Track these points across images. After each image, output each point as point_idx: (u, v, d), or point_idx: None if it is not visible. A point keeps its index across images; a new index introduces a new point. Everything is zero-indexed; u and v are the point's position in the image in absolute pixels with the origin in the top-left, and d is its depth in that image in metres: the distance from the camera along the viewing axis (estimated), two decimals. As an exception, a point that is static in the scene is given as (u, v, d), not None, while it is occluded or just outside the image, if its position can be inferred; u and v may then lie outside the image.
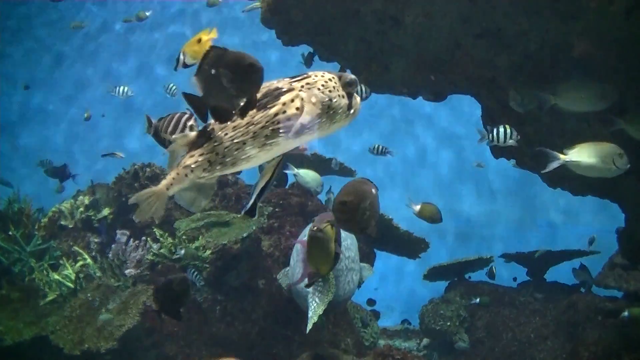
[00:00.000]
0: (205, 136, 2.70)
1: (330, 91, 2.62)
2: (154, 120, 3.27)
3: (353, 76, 2.68)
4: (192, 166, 2.67)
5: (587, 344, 5.64)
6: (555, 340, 7.54)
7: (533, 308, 7.95)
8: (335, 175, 8.29)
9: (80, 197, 7.71)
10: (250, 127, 2.61)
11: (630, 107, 5.31)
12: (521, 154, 6.17)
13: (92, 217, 7.60)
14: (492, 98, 6.11)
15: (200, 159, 2.67)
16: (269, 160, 2.79)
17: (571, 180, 5.81)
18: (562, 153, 4.92)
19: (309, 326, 5.43)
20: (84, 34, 17.69)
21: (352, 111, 2.71)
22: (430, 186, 15.76)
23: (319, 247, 3.58)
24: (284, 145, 2.65)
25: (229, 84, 2.44)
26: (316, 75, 2.67)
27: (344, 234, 6.00)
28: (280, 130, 2.58)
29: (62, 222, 7.56)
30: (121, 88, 8.86)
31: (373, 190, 2.95)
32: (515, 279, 8.70)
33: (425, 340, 8.59)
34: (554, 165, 4.91)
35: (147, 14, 10.92)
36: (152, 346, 6.39)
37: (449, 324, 7.99)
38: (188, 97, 2.59)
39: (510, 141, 5.21)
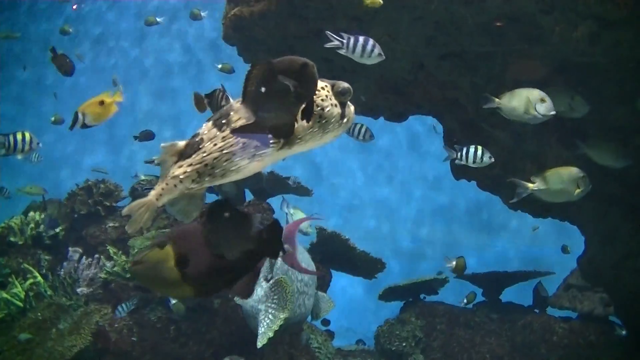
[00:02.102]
0: (194, 146, 2.60)
1: (322, 100, 2.52)
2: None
3: (346, 84, 2.56)
4: (181, 177, 2.60)
5: (548, 366, 5.66)
6: (510, 361, 7.58)
7: (489, 328, 7.97)
8: (292, 194, 8.22)
9: (31, 213, 7.47)
10: (239, 138, 2.52)
11: (591, 132, 5.39)
12: (483, 176, 6.19)
13: (43, 234, 7.36)
14: (454, 119, 6.13)
15: (188, 169, 2.59)
16: (259, 170, 2.68)
17: (531, 202, 5.84)
18: (530, 181, 4.98)
19: (263, 341, 5.31)
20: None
21: (345, 120, 2.62)
22: (386, 203, 15.82)
23: (148, 279, 3.01)
24: (275, 156, 2.56)
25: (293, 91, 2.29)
26: None
27: (299, 256, 5.98)
28: (272, 141, 2.49)
29: (11, 239, 7.29)
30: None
31: None
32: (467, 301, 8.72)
33: (380, 361, 8.53)
34: (523, 194, 5.00)
35: (159, 20, 10.76)
36: (104, 367, 6.20)
37: (404, 344, 7.95)
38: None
39: (485, 161, 5.18)
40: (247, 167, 2.58)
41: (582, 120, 5.27)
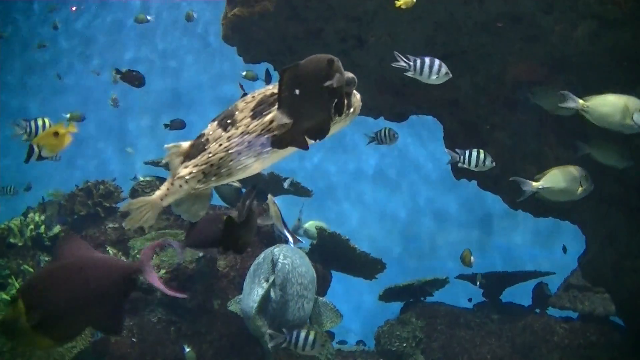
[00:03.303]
0: (199, 147, 2.61)
1: None
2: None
3: (350, 74, 2.53)
4: (187, 177, 2.60)
5: (548, 366, 5.64)
6: (511, 361, 7.56)
7: (489, 329, 7.95)
8: (292, 195, 8.22)
9: (31, 215, 7.45)
10: (245, 137, 2.53)
11: (591, 133, 5.37)
12: (483, 176, 6.18)
13: (43, 235, 7.35)
14: (454, 120, 6.11)
15: (194, 170, 2.60)
16: (266, 167, 2.70)
17: (532, 202, 5.83)
18: (534, 181, 4.98)
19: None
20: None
21: (351, 110, 2.62)
22: (387, 203, 15.80)
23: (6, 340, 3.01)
24: (282, 152, 2.56)
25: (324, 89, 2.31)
26: None
27: (299, 260, 6.03)
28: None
29: (11, 240, 7.27)
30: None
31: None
32: (470, 300, 8.71)
33: (380, 362, 8.51)
34: (527, 193, 5.01)
35: (149, 18, 10.76)
36: (104, 369, 6.19)
37: (405, 345, 7.93)
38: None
39: (487, 165, 5.19)
40: (253, 165, 2.59)
41: (582, 120, 5.25)
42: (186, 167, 2.62)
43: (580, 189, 4.91)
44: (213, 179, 2.60)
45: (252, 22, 6.07)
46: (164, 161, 2.62)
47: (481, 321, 8.07)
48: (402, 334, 8.00)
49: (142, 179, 8.33)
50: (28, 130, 5.73)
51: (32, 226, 7.31)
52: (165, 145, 2.69)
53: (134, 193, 8.06)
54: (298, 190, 8.40)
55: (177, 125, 7.40)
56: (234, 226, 2.77)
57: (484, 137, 5.80)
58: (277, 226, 3.63)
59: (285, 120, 2.39)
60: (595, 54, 4.82)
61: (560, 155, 5.49)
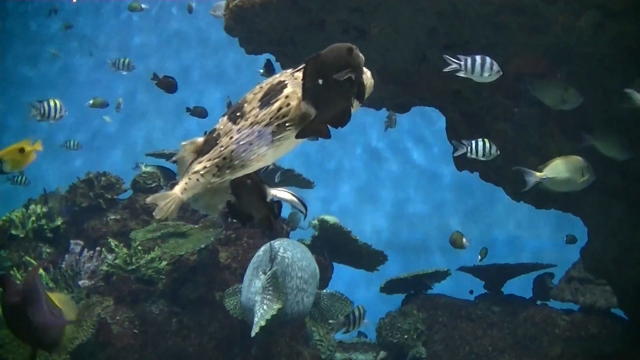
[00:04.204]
0: (211, 142, 2.64)
1: None
2: None
3: (359, 54, 2.54)
4: (201, 172, 2.63)
5: (550, 358, 5.64)
6: (512, 353, 7.54)
7: (490, 321, 7.94)
8: (296, 187, 8.21)
9: (32, 206, 7.44)
10: (255, 127, 2.54)
11: (594, 125, 5.36)
12: (485, 168, 6.17)
13: (45, 227, 7.35)
14: (457, 111, 6.10)
15: (208, 164, 2.62)
16: (280, 156, 2.70)
17: (534, 194, 5.83)
18: (537, 171, 5.02)
19: (256, 329, 5.33)
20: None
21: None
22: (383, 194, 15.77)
23: None
24: (294, 138, 2.57)
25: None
26: None
27: (300, 254, 6.03)
28: (287, 124, 2.50)
29: (13, 232, 7.27)
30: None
31: None
32: (472, 292, 8.70)
33: (382, 353, 8.50)
34: (531, 183, 5.04)
35: (143, 6, 10.75)
36: (106, 360, 6.19)
37: (406, 337, 7.93)
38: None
39: (493, 153, 5.20)
40: (266, 154, 2.60)
41: (585, 112, 5.25)
42: (200, 162, 2.64)
43: (582, 179, 4.94)
44: (227, 171, 2.63)
45: (254, 13, 6.05)
46: (177, 157, 2.64)
47: (483, 313, 8.06)
48: (403, 326, 8.00)
49: (144, 168, 8.31)
50: (42, 111, 5.97)
51: (33, 218, 7.31)
52: (182, 142, 2.72)
53: (135, 185, 8.05)
54: (300, 182, 8.41)
55: (199, 112, 7.37)
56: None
57: (487, 128, 5.78)
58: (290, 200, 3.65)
59: (311, 110, 2.42)
60: (599, 44, 4.79)
61: (563, 146, 5.47)
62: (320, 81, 2.39)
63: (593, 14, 4.62)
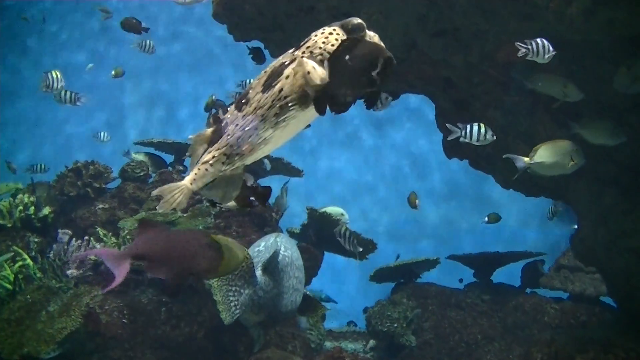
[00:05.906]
0: (219, 132, 2.66)
1: (332, 45, 2.44)
2: None
3: (356, 20, 2.49)
4: (210, 162, 2.64)
5: (540, 345, 5.65)
6: (502, 341, 7.58)
7: (480, 310, 7.97)
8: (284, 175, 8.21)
9: (20, 196, 7.36)
10: (258, 111, 2.52)
11: (585, 112, 5.34)
12: (475, 155, 6.15)
13: (32, 216, 7.27)
14: (447, 98, 6.07)
15: (216, 153, 2.63)
16: (289, 137, 2.67)
17: (524, 181, 5.82)
18: (526, 156, 5.01)
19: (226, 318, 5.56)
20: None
21: None
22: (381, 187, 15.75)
23: None
24: (300, 117, 2.53)
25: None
26: (316, 35, 2.52)
27: (296, 253, 6.05)
28: (290, 104, 2.47)
29: (0, 222, 7.20)
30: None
31: None
32: (461, 281, 8.72)
33: (371, 342, 8.53)
34: (521, 169, 5.04)
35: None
36: (95, 350, 6.12)
37: (395, 325, 7.93)
38: None
39: (488, 138, 5.20)
40: (273, 136, 2.58)
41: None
42: (209, 152, 2.66)
43: (571, 163, 4.93)
44: (236, 158, 2.63)
45: (242, 0, 6.00)
46: (188, 153, 2.66)
47: (472, 302, 8.08)
48: (393, 315, 8.00)
49: (134, 155, 8.25)
50: (47, 82, 6.14)
51: (21, 207, 7.23)
52: (190, 136, 2.76)
53: (124, 173, 8.00)
54: (289, 170, 8.40)
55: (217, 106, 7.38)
56: None
57: (477, 116, 5.75)
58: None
59: (323, 75, 2.38)
60: (590, 31, 4.76)
61: (553, 134, 5.45)
62: (346, 60, 2.36)
63: (584, 1, 4.59)
